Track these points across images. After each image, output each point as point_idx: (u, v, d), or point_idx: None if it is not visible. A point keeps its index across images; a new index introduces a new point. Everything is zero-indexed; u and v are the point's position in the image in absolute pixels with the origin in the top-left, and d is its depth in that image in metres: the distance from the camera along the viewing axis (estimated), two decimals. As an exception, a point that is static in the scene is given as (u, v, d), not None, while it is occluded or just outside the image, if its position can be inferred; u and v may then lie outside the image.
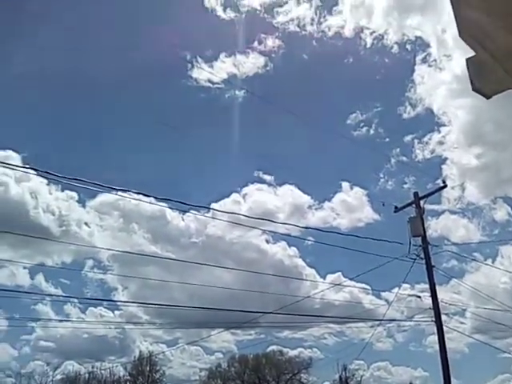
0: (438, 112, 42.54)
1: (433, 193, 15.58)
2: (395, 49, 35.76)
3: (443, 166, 36.85)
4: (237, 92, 31.76)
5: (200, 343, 34.46)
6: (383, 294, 24.98)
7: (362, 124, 38.41)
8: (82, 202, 29.56)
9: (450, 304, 15.61)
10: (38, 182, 26.34)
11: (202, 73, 30.26)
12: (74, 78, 29.54)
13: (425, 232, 14.51)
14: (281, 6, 31.64)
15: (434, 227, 32.27)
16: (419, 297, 15.11)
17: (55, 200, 28.69)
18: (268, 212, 33.98)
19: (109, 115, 29.13)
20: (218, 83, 32.16)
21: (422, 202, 14.85)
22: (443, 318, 13.95)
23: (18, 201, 26.37)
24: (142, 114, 30.95)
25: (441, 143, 38.12)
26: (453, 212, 37.33)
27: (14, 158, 24.03)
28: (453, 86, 34.57)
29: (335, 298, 25.36)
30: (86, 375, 35.90)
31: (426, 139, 38.57)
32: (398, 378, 42.20)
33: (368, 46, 35.44)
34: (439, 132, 39.35)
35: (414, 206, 14.88)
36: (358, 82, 38.26)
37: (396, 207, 15.43)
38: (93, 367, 36.49)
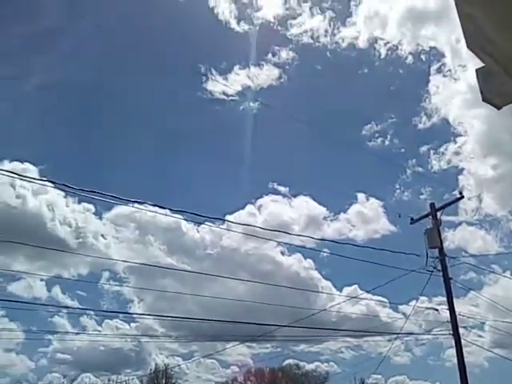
0: (453, 122, 42.24)
1: (449, 204, 15.43)
2: (410, 59, 35.66)
3: (460, 177, 36.49)
4: (251, 104, 31.84)
5: (215, 356, 34.30)
6: (400, 306, 24.69)
7: (377, 135, 38.22)
8: (98, 214, 29.76)
9: (468, 317, 15.40)
10: (55, 195, 26.61)
11: (217, 85, 30.40)
12: (91, 90, 29.89)
13: (442, 244, 14.36)
14: (294, 18, 31.76)
15: (451, 239, 31.89)
16: (437, 310, 14.93)
17: (72, 212, 28.91)
18: (283, 223, 33.87)
19: (124, 128, 29.39)
20: (232, 95, 32.27)
21: (438, 214, 14.71)
22: (461, 331, 13.76)
23: (35, 213, 26.64)
24: (157, 126, 31.14)
25: (457, 153, 37.81)
26: (470, 223, 36.85)
27: (32, 170, 24.34)
28: (468, 96, 34.33)
29: (352, 310, 25.10)
30: (103, 388, 35.88)
31: (441, 149, 38.27)
32: (416, 393, 41.56)
33: (382, 56, 35.39)
34: (455, 142, 39.00)
35: (430, 217, 14.74)
36: (372, 93, 38.18)
37: (412, 219, 15.30)
38: (109, 380, 36.48)
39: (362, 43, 35.52)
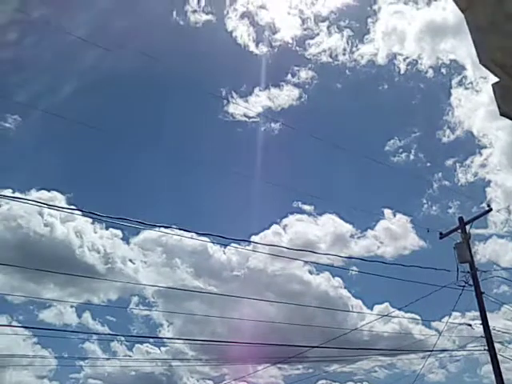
0: (478, 134, 41.61)
1: (478, 217, 15.18)
2: (430, 73, 35.42)
3: (487, 189, 35.78)
4: (272, 125, 31.88)
5: (247, 379, 33.97)
6: (433, 323, 24.16)
7: (400, 150, 37.84)
8: (126, 240, 29.99)
9: (504, 332, 15.02)
10: (82, 222, 26.95)
11: (238, 108, 30.58)
12: (112, 116, 30.43)
13: (472, 258, 14.11)
14: (312, 38, 31.88)
15: (482, 252, 31.16)
16: (470, 325, 14.62)
17: (100, 238, 29.21)
18: (309, 242, 33.62)
19: (147, 152, 29.70)
20: (253, 117, 32.40)
21: (467, 227, 14.48)
22: (497, 346, 13.42)
23: (63, 240, 27.00)
24: (180, 150, 31.41)
25: (483, 166, 37.14)
26: (500, 236, 36.03)
27: (59, 198, 24.69)
28: (491, 108, 33.83)
29: (384, 329, 24.64)
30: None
31: (467, 162, 37.65)
32: (453, 411, 40.32)
33: (402, 72, 35.21)
34: (481, 155, 38.34)
35: (459, 231, 14.52)
36: (393, 109, 37.96)
37: (441, 233, 15.08)
38: (141, 405, 36.39)
39: (381, 59, 35.43)
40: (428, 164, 37.55)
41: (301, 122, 37.46)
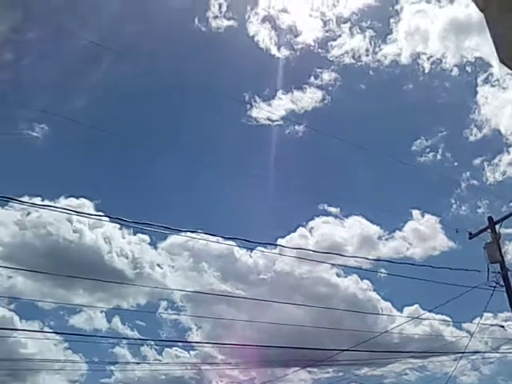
0: (505, 132, 40.79)
1: (508, 216, 14.87)
2: (455, 72, 34.89)
3: (517, 188, 35.04)
4: (296, 127, 31.82)
5: (276, 383, 33.90)
6: (464, 324, 23.76)
7: (427, 150, 37.33)
8: (153, 245, 30.27)
9: (538, 333, 14.67)
10: (110, 228, 27.32)
11: (261, 112, 30.62)
12: (138, 121, 30.81)
13: (503, 258, 13.85)
14: (334, 40, 31.72)
15: (513, 252, 30.54)
16: (502, 326, 14.34)
17: (128, 244, 29.56)
18: (336, 245, 33.39)
19: (173, 157, 29.94)
20: (277, 120, 32.40)
21: (497, 227, 14.23)
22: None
23: (92, 246, 27.40)
24: (204, 155, 31.57)
25: (512, 164, 36.41)
26: (532, 235, 35.28)
27: (88, 205, 25.07)
28: (519, 105, 33.11)
29: (414, 331, 24.32)
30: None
31: (495, 161, 36.95)
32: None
33: (426, 71, 34.76)
34: (509, 153, 37.60)
35: (489, 231, 14.27)
36: (419, 108, 37.49)
37: (470, 233, 14.84)
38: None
39: (404, 59, 35.04)
40: (455, 163, 36.97)
41: (325, 124, 37.33)
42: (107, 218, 14.53)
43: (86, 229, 26.84)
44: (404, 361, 24.07)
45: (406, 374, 37.33)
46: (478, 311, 15.69)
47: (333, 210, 34.94)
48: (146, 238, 29.08)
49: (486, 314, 15.03)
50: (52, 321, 26.76)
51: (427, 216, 34.05)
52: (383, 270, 23.00)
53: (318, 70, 34.39)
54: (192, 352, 28.80)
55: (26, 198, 14.74)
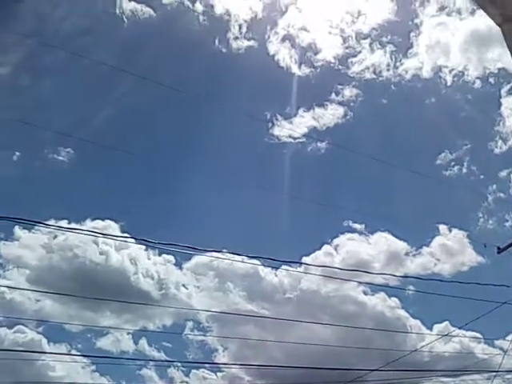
0: (531, 143, 40.16)
1: (538, 229, 14.56)
2: (478, 84, 34.52)
3: (544, 200, 34.27)
4: (318, 144, 31.76)
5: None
6: (497, 341, 23.16)
7: (452, 163, 36.81)
8: (178, 265, 30.30)
9: None
10: (136, 249, 27.46)
11: (283, 130, 30.67)
12: (158, 145, 31.15)
13: (534, 272, 13.50)
14: (355, 56, 31.69)
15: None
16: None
17: (154, 265, 29.64)
18: (362, 262, 32.97)
19: (194, 178, 30.13)
20: (298, 138, 32.39)
21: (527, 240, 13.89)
22: None
23: (118, 268, 27.54)
24: (226, 174, 31.67)
25: (539, 176, 35.66)
26: None
27: (113, 227, 25.26)
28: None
29: (444, 349, 23.79)
30: None
31: (522, 173, 36.32)
32: None
33: (448, 84, 34.46)
34: (535, 164, 36.91)
35: (518, 245, 13.94)
36: (442, 122, 37.10)
37: (499, 248, 14.53)
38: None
39: (426, 73, 34.82)
40: (481, 176, 36.37)
41: (347, 140, 37.16)
42: (133, 240, 14.65)
43: (113, 250, 27.03)
44: (435, 380, 23.49)
45: (438, 394, 36.40)
46: (510, 327, 15.30)
47: (358, 226, 34.60)
48: (171, 258, 29.14)
49: (519, 331, 14.64)
50: (79, 343, 26.85)
51: (454, 231, 33.47)
52: (411, 287, 22.64)
53: (339, 87, 34.40)
54: (219, 373, 28.58)
55: (52, 222, 14.96)
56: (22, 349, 22.85)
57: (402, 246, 34.73)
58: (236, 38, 29.56)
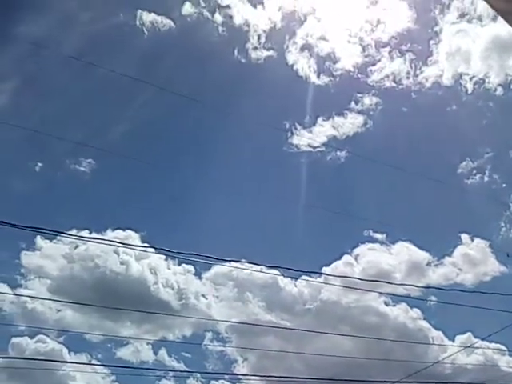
0: (555, 151, 39.49)
1: None
2: (499, 91, 34.12)
3: None
4: (338, 153, 31.62)
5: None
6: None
7: (474, 172, 36.37)
8: (198, 275, 30.31)
9: None
10: (156, 258, 27.55)
11: (302, 139, 30.64)
12: (176, 155, 31.34)
13: (561, 283, 13.23)
14: (374, 65, 31.59)
15: None
16: None
17: (173, 274, 29.70)
18: (383, 272, 32.65)
19: (214, 187, 30.17)
20: (318, 147, 32.30)
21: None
22: None
23: (138, 277, 27.64)
24: (246, 184, 31.75)
25: (563, 184, 34.98)
26: None
27: (134, 237, 25.39)
28: None
29: (467, 361, 23.37)
30: None
31: (546, 181, 35.70)
32: None
33: (469, 91, 34.11)
34: (559, 172, 36.27)
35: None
36: (463, 129, 36.72)
37: (523, 257, 14.32)
38: None
39: (446, 80, 34.54)
40: (504, 185, 35.85)
41: (367, 149, 36.94)
42: (153, 249, 14.72)
43: (133, 260, 27.16)
44: (458, 392, 23.12)
45: (461, 407, 35.77)
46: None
47: (379, 236, 34.32)
48: (191, 268, 29.17)
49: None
50: (100, 353, 26.94)
51: (477, 240, 33.00)
52: (433, 298, 22.31)
53: (359, 95, 34.31)
54: (238, 384, 28.41)
55: (74, 232, 15.07)
56: (43, 358, 22.98)
57: (423, 255, 34.29)
58: (255, 48, 29.68)
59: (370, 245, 36.36)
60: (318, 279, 21.92)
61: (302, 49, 31.33)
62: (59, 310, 25.23)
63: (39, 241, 26.06)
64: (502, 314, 14.59)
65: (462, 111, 36.19)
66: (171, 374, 29.80)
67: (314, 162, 34.96)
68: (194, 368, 40.62)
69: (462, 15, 31.77)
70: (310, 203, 32.71)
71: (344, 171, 34.63)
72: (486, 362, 24.57)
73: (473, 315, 26.28)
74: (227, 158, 34.06)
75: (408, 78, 34.88)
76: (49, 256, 26.60)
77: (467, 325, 29.75)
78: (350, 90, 35.13)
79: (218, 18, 27.88)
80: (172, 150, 31.94)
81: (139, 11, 25.74)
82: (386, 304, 34.31)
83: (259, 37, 30.92)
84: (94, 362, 24.83)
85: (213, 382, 29.59)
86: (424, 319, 33.60)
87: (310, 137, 31.63)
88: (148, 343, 28.13)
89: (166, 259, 27.98)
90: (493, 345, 23.30)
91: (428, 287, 25.86)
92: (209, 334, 30.20)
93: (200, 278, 31.67)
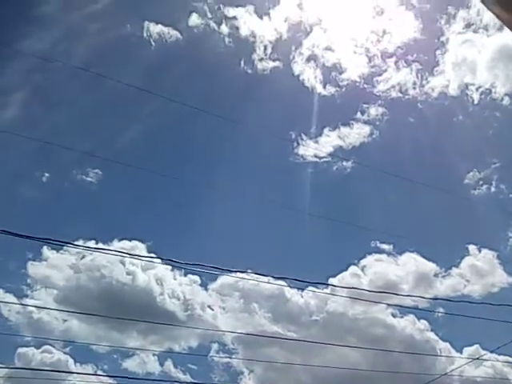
0: None
1: None
2: (506, 100, 34.05)
3: None
4: (344, 163, 31.61)
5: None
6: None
7: (481, 182, 36.25)
8: (204, 286, 30.24)
9: None
10: (162, 269, 27.54)
11: (308, 149, 30.69)
12: (182, 164, 31.47)
13: None
14: (380, 75, 31.63)
15: None
16: None
17: (179, 285, 29.65)
18: (390, 283, 32.47)
19: (220, 198, 30.16)
20: (324, 157, 32.31)
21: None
22: None
23: (145, 288, 27.60)
24: (252, 194, 31.73)
25: None
26: None
27: (140, 247, 25.41)
28: None
29: (476, 373, 23.13)
30: None
31: (554, 192, 35.51)
32: None
33: (476, 101, 34.07)
34: None
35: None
36: (470, 140, 36.65)
37: (531, 269, 14.19)
38: None
39: (452, 91, 34.53)
40: (511, 195, 35.70)
41: (374, 159, 36.92)
42: (159, 260, 14.71)
43: (139, 271, 27.15)
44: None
45: (470, 420, 35.37)
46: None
47: (385, 247, 34.17)
48: (197, 278, 29.11)
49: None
50: (105, 364, 26.87)
51: (484, 251, 32.78)
52: (441, 309, 22.12)
53: (365, 106, 34.36)
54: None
55: (80, 242, 15.13)
56: (49, 368, 22.93)
57: (430, 266, 34.09)
58: (261, 59, 29.82)
59: (377, 256, 36.18)
60: (325, 290, 21.85)
61: (308, 59, 31.44)
62: (65, 321, 25.21)
63: (46, 251, 26.10)
64: (511, 325, 14.43)
65: (469, 121, 36.13)
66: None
67: (320, 173, 34.97)
68: (199, 380, 40.44)
69: (467, 25, 31.81)
70: (317, 214, 32.66)
71: (350, 181, 34.58)
72: (495, 375, 24.32)
73: (481, 327, 26.03)
74: (234, 169, 34.12)
75: (414, 88, 34.92)
76: (55, 266, 26.62)
77: (475, 337, 29.47)
78: (356, 101, 35.19)
79: (225, 29, 28.07)
80: (178, 161, 32.03)
81: (146, 23, 25.98)
82: (394, 315, 34.07)
83: (265, 48, 31.07)
84: (99, 372, 24.74)
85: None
86: (431, 331, 33.32)
87: (316, 147, 31.67)
88: (154, 354, 28.04)
89: (172, 270, 27.96)
90: (502, 357, 23.05)
91: (435, 298, 25.70)
92: (215, 346, 30.08)
93: (206, 288, 31.60)
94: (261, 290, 30.31)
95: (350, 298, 14.56)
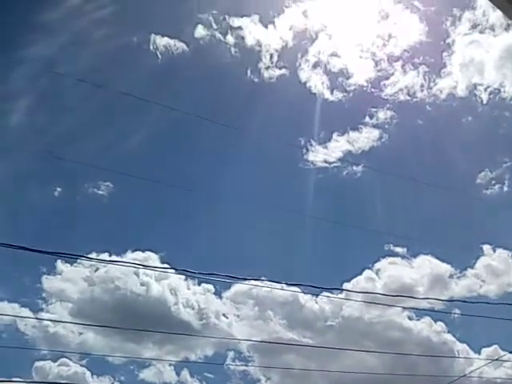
0: None
1: None
2: (515, 100, 33.89)
3: None
4: (354, 168, 31.57)
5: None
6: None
7: (493, 182, 36.03)
8: (218, 294, 30.25)
9: None
10: (176, 279, 27.58)
11: (318, 155, 30.71)
12: (192, 173, 31.52)
13: None
14: (387, 79, 31.63)
15: None
16: None
17: (193, 294, 29.68)
18: (405, 286, 32.26)
19: (232, 206, 30.21)
20: (334, 162, 32.27)
21: None
22: None
23: (159, 298, 27.67)
24: (264, 202, 31.75)
25: None
26: None
27: (153, 258, 25.50)
28: None
29: (495, 374, 22.88)
30: None
31: None
32: None
33: (484, 102, 33.90)
34: None
35: None
36: (480, 140, 36.45)
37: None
38: None
39: (461, 92, 34.39)
40: (524, 194, 35.42)
41: (384, 163, 36.80)
42: (173, 270, 14.76)
43: (153, 281, 27.22)
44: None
45: (491, 422, 34.95)
46: None
47: (399, 250, 33.98)
48: (211, 287, 29.12)
49: None
50: (122, 375, 26.91)
51: (499, 250, 32.51)
52: (457, 311, 21.95)
53: (373, 110, 34.33)
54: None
55: (94, 255, 15.22)
56: (66, 382, 23.03)
57: (445, 268, 33.85)
58: (267, 68, 29.94)
59: (391, 259, 35.97)
60: (340, 295, 21.71)
61: (315, 66, 31.50)
62: (81, 333, 25.29)
63: (60, 265, 26.24)
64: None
65: (478, 122, 35.94)
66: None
67: (330, 178, 34.91)
68: (217, 389, 40.40)
69: (473, 26, 31.75)
70: (329, 219, 32.58)
71: (361, 186, 34.48)
72: (514, 375, 24.03)
73: (498, 327, 25.77)
74: (244, 177, 34.18)
75: (422, 90, 34.84)
76: (69, 279, 26.76)
77: (493, 337, 29.19)
78: (364, 105, 35.17)
79: (230, 39, 28.23)
80: (188, 170, 32.13)
81: (153, 35, 26.18)
82: (410, 318, 33.83)
83: (271, 56, 31.18)
84: (116, 384, 24.81)
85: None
86: (448, 332, 33.02)
87: (326, 152, 31.65)
88: (170, 364, 28.04)
89: (185, 279, 27.99)
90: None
91: (451, 300, 25.47)
92: (231, 354, 30.02)
93: (220, 297, 31.61)
94: (275, 297, 30.26)
95: (365, 302, 14.50)
